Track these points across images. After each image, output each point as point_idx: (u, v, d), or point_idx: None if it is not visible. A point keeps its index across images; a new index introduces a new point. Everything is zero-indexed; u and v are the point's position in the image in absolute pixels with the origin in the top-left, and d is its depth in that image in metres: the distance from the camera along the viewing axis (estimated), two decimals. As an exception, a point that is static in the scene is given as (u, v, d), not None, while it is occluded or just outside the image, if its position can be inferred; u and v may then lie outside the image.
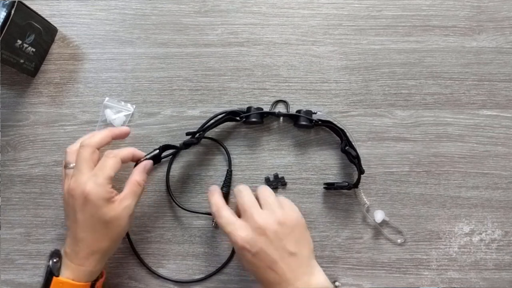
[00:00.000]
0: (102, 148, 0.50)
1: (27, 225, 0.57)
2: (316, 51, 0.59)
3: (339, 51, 0.59)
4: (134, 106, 0.58)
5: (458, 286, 0.56)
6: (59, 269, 0.46)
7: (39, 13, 0.55)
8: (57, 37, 0.60)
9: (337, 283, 0.55)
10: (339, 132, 0.55)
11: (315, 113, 0.56)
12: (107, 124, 0.58)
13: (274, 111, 0.57)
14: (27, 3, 0.52)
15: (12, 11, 0.50)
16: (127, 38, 0.60)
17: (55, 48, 0.60)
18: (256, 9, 0.60)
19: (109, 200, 0.46)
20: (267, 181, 0.57)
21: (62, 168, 0.50)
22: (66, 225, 0.53)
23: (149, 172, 0.51)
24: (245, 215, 0.46)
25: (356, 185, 0.54)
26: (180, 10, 0.60)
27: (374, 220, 0.56)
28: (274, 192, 0.57)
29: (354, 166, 0.55)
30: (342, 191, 0.57)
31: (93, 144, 0.48)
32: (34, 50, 0.56)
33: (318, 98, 0.58)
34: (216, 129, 0.57)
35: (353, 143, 0.54)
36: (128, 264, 0.57)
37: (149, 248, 0.57)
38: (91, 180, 0.46)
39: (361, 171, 0.53)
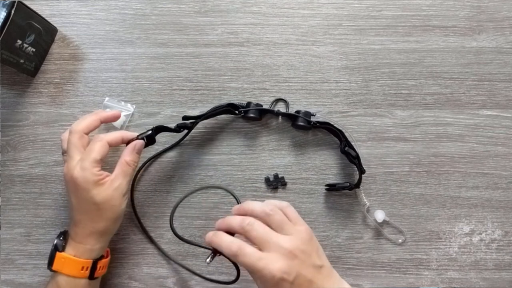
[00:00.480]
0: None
1: (27, 225, 0.57)
2: (316, 51, 0.59)
3: (339, 51, 0.59)
4: (134, 106, 0.58)
5: (458, 286, 0.56)
6: (64, 246, 0.48)
7: (39, 13, 0.55)
8: (57, 37, 0.60)
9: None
10: (338, 134, 0.55)
11: (314, 115, 0.56)
12: (107, 124, 0.58)
13: (273, 109, 0.57)
14: (27, 3, 0.52)
15: (12, 11, 0.50)
16: (127, 38, 0.60)
17: (55, 48, 0.60)
18: (256, 9, 0.60)
19: (97, 182, 0.47)
20: (267, 181, 0.57)
21: (62, 156, 0.52)
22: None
23: (139, 152, 0.51)
24: (268, 245, 0.43)
25: (357, 185, 0.54)
26: (180, 10, 0.60)
27: (374, 220, 0.56)
28: (274, 192, 0.57)
29: (354, 166, 0.55)
30: (342, 191, 0.57)
31: (80, 129, 0.49)
32: (34, 50, 0.56)
33: (318, 98, 0.58)
34: (216, 129, 0.57)
35: (352, 143, 0.54)
36: (128, 264, 0.57)
37: (149, 248, 0.57)
38: (78, 165, 0.47)
39: (362, 171, 0.53)
